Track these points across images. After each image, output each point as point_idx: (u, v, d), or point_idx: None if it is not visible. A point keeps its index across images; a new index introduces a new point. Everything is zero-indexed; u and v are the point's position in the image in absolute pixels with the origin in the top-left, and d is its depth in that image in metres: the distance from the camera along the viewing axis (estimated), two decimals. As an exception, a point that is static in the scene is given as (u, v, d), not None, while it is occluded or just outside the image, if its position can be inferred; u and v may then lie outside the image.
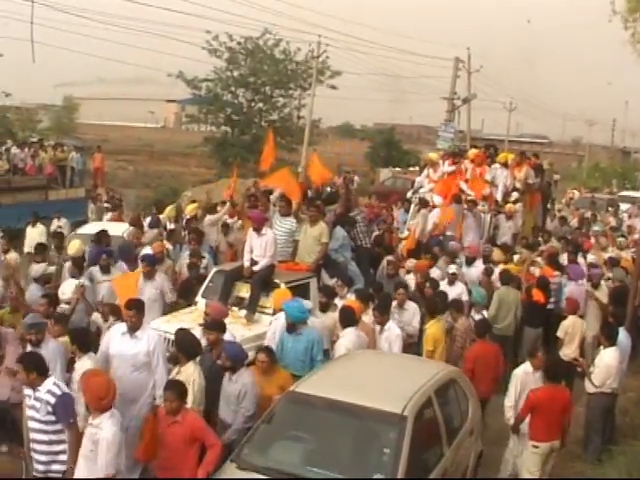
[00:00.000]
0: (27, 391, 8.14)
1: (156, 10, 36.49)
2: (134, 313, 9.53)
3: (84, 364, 9.12)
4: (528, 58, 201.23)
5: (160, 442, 8.25)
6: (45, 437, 7.95)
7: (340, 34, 45.67)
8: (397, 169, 47.01)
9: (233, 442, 8.68)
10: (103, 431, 7.49)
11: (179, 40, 46.45)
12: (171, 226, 17.01)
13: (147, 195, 33.39)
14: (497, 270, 15.49)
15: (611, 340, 11.13)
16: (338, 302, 12.18)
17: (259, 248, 13.03)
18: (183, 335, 9.56)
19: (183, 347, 9.30)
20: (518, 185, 20.67)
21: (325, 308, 11.97)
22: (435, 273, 14.73)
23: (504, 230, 19.40)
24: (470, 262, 16.11)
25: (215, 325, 10.14)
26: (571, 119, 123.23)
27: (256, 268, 12.89)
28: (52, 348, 9.34)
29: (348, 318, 11.01)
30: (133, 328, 9.49)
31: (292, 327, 10.62)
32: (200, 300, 12.93)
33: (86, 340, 9.72)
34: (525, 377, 10.32)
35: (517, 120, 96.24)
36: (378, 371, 9.60)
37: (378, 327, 11.44)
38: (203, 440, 8.06)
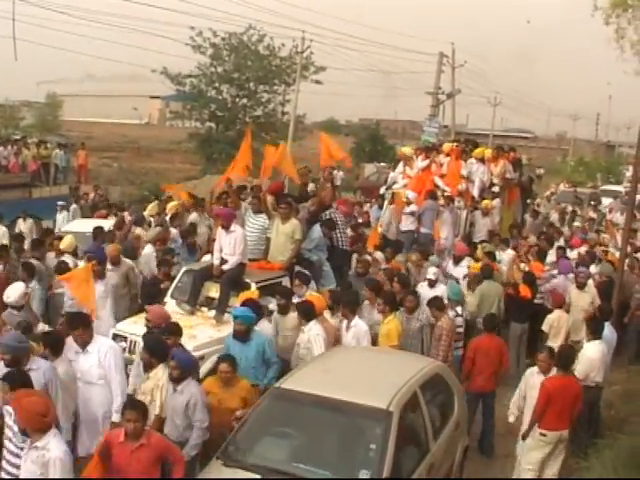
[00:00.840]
0: (7, 409, 7.53)
1: (140, 7, 36.41)
2: (81, 331, 9.10)
3: (57, 366, 8.67)
4: (513, 54, 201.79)
5: (123, 473, 7.52)
6: (18, 461, 7.24)
7: (324, 29, 45.72)
8: (382, 164, 46.97)
9: (192, 459, 8.48)
10: (52, 452, 6.79)
11: (163, 37, 46.15)
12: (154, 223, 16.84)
13: (132, 192, 33.30)
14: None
15: (596, 334, 11.16)
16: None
17: (228, 246, 12.68)
18: (153, 339, 9.35)
19: (155, 351, 9.03)
20: (496, 180, 20.21)
21: (284, 310, 11.47)
22: (430, 272, 14.18)
23: (480, 227, 18.98)
24: (457, 261, 15.78)
25: (172, 329, 9.71)
26: (556, 114, 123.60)
27: (225, 267, 12.54)
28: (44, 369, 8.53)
29: (308, 311, 10.85)
30: (83, 344, 9.11)
31: (241, 333, 10.13)
32: (169, 300, 12.62)
33: (59, 344, 9.01)
34: (530, 378, 10.30)
35: (502, 115, 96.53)
36: (363, 367, 9.61)
37: (345, 323, 11.28)
38: (168, 458, 7.74)
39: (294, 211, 13.89)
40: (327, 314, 11.60)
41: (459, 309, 12.97)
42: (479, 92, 60.97)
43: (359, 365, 9.71)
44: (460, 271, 15.40)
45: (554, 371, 9.94)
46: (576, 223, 24.86)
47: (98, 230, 14.97)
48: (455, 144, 21.61)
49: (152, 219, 17.16)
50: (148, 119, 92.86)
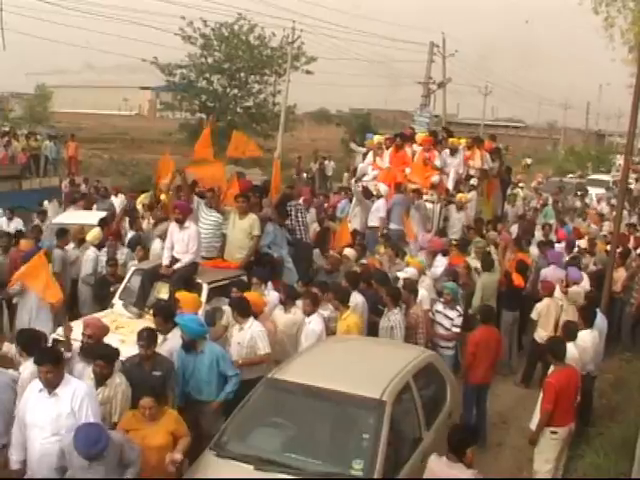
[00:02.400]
0: None
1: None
2: (50, 368, 7.37)
3: (27, 366, 8.32)
4: (504, 43, 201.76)
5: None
6: None
7: (315, 19, 45.58)
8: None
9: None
10: None
11: (153, 27, 45.76)
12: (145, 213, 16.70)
13: (123, 183, 33.18)
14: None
15: (588, 322, 11.17)
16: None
17: (181, 243, 11.91)
18: (103, 347, 8.74)
19: (107, 360, 8.41)
20: (472, 172, 19.27)
21: None
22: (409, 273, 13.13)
23: (454, 222, 17.86)
24: (434, 255, 14.85)
25: (150, 338, 8.96)
26: (546, 103, 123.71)
27: (177, 266, 11.80)
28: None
29: (243, 307, 10.23)
30: (50, 385, 7.38)
31: (191, 345, 9.27)
32: (117, 302, 11.89)
33: (31, 342, 8.55)
34: None
35: (493, 104, 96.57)
36: (356, 357, 9.59)
37: (301, 318, 10.87)
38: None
39: (258, 205, 13.36)
40: (279, 310, 11.22)
41: (459, 308, 12.40)
42: (470, 81, 61.02)
43: (352, 355, 9.70)
44: (438, 269, 14.46)
45: (552, 367, 9.87)
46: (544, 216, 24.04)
47: (103, 220, 15.02)
48: (427, 133, 20.43)
49: (142, 209, 17.09)
50: (138, 110, 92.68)
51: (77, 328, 9.59)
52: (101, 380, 8.37)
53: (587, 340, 10.96)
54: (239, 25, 44.42)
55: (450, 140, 19.57)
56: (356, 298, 11.63)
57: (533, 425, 9.81)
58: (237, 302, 10.45)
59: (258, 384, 8.73)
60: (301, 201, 16.35)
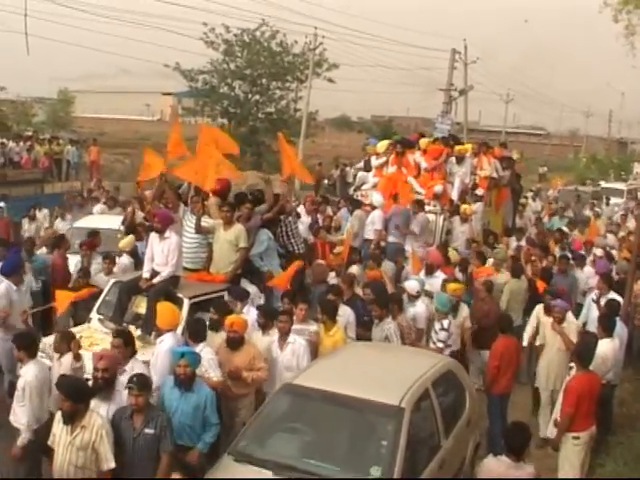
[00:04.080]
0: None
1: (152, 3, 36.45)
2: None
3: (28, 369, 8.44)
4: (526, 50, 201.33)
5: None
6: None
7: (337, 26, 45.62)
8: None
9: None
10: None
11: (175, 32, 46.10)
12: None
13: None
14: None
15: (608, 331, 11.05)
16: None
17: (160, 254, 11.09)
18: (69, 382, 7.75)
19: (76, 397, 7.50)
20: (478, 180, 18.33)
21: (215, 327, 10.01)
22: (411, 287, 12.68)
23: (457, 234, 16.99)
24: (430, 271, 13.97)
25: (142, 384, 7.85)
26: (568, 111, 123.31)
27: (155, 280, 10.98)
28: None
29: (196, 330, 9.54)
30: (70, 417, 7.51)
31: (186, 378, 8.34)
32: (94, 316, 11.18)
33: (32, 344, 8.66)
34: None
35: (514, 112, 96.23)
36: (375, 363, 9.60)
37: (276, 341, 10.03)
38: None
39: (244, 217, 12.50)
40: (257, 332, 10.35)
41: (445, 322, 11.91)
42: (491, 89, 60.88)
43: (371, 361, 9.71)
44: (435, 282, 13.61)
45: (574, 370, 9.82)
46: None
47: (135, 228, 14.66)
48: (434, 140, 19.44)
49: None
50: (160, 115, 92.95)
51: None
52: (68, 418, 7.55)
53: (607, 349, 10.86)
54: (261, 31, 44.57)
55: (457, 148, 18.48)
56: (345, 311, 11.33)
57: (550, 433, 9.76)
58: (192, 324, 9.81)
59: (277, 389, 8.74)
60: (302, 211, 15.58)
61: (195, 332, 9.49)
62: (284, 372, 9.75)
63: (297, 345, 9.92)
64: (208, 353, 9.22)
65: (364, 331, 11.44)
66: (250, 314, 10.66)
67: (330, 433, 8.14)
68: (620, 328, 11.69)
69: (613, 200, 35.06)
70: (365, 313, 11.72)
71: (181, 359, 8.33)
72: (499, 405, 11.27)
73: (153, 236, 11.32)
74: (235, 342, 9.56)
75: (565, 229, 21.49)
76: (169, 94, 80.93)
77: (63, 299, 11.40)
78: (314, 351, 10.32)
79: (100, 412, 7.75)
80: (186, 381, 8.31)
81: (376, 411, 8.03)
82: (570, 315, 12.01)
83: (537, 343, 12.31)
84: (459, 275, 14.20)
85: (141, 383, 7.78)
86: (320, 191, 36.57)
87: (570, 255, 16.81)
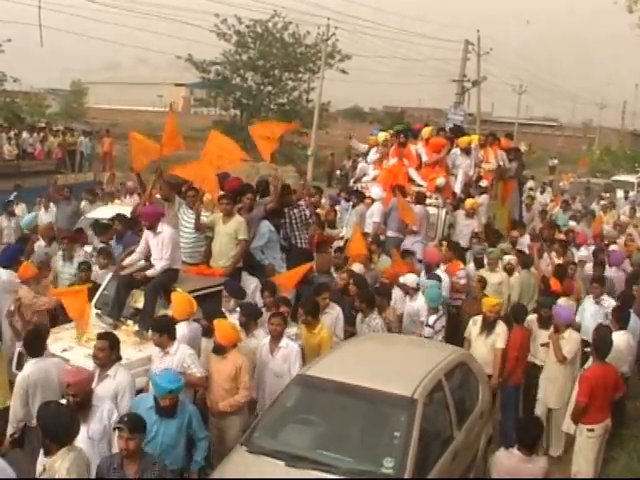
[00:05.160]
0: None
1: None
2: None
3: (25, 368, 8.44)
4: (539, 42, 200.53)
5: None
6: None
7: (349, 17, 45.64)
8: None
9: None
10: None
11: (188, 24, 46.20)
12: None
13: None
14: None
15: (621, 323, 10.99)
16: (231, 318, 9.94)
17: (155, 249, 10.91)
18: (48, 413, 6.63)
19: (50, 431, 6.51)
20: (483, 173, 17.50)
21: (210, 333, 9.45)
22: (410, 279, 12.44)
23: (461, 229, 16.11)
24: (429, 270, 13.22)
25: (134, 425, 6.86)
26: (581, 102, 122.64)
27: (149, 273, 10.78)
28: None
29: (166, 328, 8.95)
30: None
31: (169, 409, 7.74)
32: (92, 311, 10.76)
33: (32, 343, 8.53)
34: None
35: (527, 103, 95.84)
36: (388, 354, 9.59)
37: (267, 345, 9.51)
38: None
39: (245, 207, 12.22)
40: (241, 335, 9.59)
41: (432, 318, 11.56)
42: (504, 80, 60.69)
43: (384, 352, 9.69)
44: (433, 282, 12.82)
45: (590, 362, 9.78)
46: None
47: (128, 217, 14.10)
48: (442, 132, 18.51)
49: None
50: (172, 106, 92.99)
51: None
52: (46, 452, 6.66)
53: (621, 341, 10.79)
54: (273, 22, 44.60)
55: (461, 139, 17.57)
56: (334, 308, 10.89)
57: (566, 428, 9.73)
58: (157, 322, 9.15)
59: (290, 381, 8.74)
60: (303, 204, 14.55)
61: (164, 330, 8.89)
62: (274, 379, 9.36)
63: (289, 350, 9.41)
64: (187, 349, 8.92)
65: (348, 326, 11.13)
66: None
67: (343, 424, 8.15)
68: (634, 321, 11.64)
69: (619, 194, 34.37)
70: (352, 309, 11.46)
71: (167, 394, 7.65)
72: (514, 396, 11.21)
73: (147, 233, 11.08)
74: (220, 349, 9.02)
75: (572, 223, 21.15)
76: (181, 85, 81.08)
77: (76, 307, 10.40)
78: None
79: (78, 438, 6.74)
80: (169, 410, 7.72)
81: (389, 402, 8.02)
82: (569, 331, 10.87)
83: (534, 360, 11.28)
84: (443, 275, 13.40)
85: (133, 424, 6.81)
86: (332, 181, 36.70)
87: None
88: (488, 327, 11.12)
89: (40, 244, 14.27)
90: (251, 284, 11.60)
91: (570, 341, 10.73)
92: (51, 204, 18.49)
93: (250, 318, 9.79)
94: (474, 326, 11.33)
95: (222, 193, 12.14)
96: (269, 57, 44.88)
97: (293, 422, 8.25)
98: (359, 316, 11.15)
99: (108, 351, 8.21)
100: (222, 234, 11.67)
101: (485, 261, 14.31)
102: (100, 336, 8.57)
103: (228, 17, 43.56)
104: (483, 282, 13.03)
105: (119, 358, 8.44)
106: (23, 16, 32.35)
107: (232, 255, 11.60)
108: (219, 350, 8.98)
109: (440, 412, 8.50)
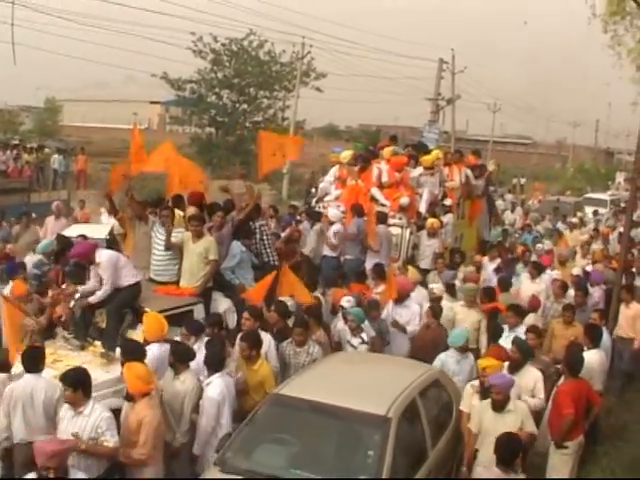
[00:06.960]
0: None
1: (140, 12, 36.43)
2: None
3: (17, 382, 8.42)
4: (513, 60, 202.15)
5: None
6: None
7: (324, 35, 45.77)
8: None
9: None
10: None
11: (163, 42, 46.15)
12: None
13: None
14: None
15: (595, 342, 11.04)
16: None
17: (99, 277, 10.51)
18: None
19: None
20: (447, 191, 17.19)
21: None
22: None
23: (424, 249, 15.73)
24: (400, 300, 12.68)
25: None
26: (555, 120, 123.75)
27: (92, 299, 10.39)
28: None
29: (79, 381, 7.81)
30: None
31: None
32: (60, 332, 10.71)
33: (28, 359, 8.46)
34: None
35: (501, 121, 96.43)
36: (362, 373, 9.61)
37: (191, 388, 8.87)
38: None
39: (216, 225, 12.12)
40: (169, 373, 9.09)
41: (364, 335, 11.17)
42: (478, 98, 61.09)
43: (357, 371, 9.71)
44: (405, 312, 12.60)
45: (562, 380, 9.80)
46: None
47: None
48: (407, 149, 18.60)
49: None
50: (148, 124, 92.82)
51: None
52: None
53: (594, 360, 10.81)
54: (249, 41, 44.66)
55: (424, 157, 17.31)
56: (265, 337, 10.09)
57: (543, 447, 9.70)
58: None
59: (263, 400, 8.69)
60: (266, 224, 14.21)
61: (76, 383, 7.82)
62: None
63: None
64: (103, 411, 7.87)
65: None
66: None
67: (317, 443, 8.13)
68: (607, 339, 11.69)
69: (588, 210, 34.18)
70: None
71: None
72: None
73: (92, 268, 10.62)
74: (130, 397, 8.31)
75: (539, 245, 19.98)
76: (156, 103, 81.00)
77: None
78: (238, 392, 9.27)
79: None
80: None
81: (363, 421, 8.01)
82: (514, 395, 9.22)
83: (474, 430, 9.06)
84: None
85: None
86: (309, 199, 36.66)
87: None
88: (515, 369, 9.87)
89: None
90: (223, 305, 11.52)
91: (518, 414, 8.83)
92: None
93: (178, 359, 8.94)
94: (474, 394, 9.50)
95: (191, 214, 11.94)
96: (244, 75, 44.90)
97: (267, 442, 8.19)
98: (290, 347, 10.49)
99: (81, 395, 7.74)
100: (192, 253, 11.48)
101: (459, 295, 13.58)
102: (64, 380, 7.88)
103: (204, 35, 43.63)
104: (436, 309, 12.13)
105: (90, 396, 7.89)
106: (-2, 34, 32.19)
107: (202, 275, 11.39)
108: (129, 398, 8.29)
109: (414, 430, 8.49)
